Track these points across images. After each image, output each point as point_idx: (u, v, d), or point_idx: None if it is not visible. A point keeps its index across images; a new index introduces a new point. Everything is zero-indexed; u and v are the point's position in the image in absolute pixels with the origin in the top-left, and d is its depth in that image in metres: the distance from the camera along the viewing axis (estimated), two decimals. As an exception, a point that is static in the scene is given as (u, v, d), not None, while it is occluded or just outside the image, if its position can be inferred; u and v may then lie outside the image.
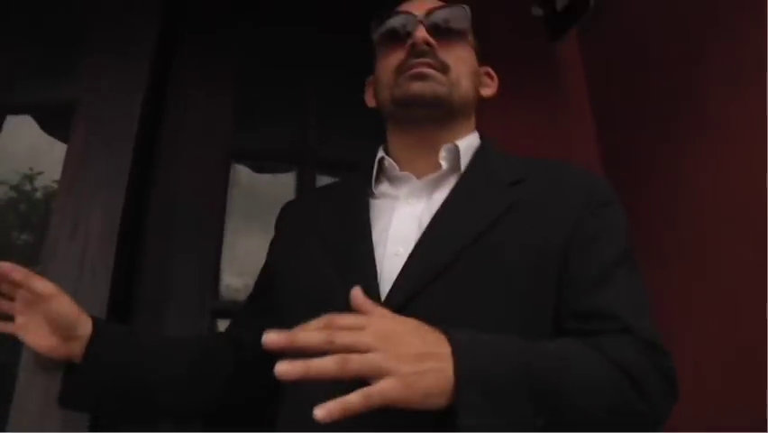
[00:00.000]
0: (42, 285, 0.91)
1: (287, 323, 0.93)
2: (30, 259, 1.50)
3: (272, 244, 1.13)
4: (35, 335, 0.93)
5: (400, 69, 0.99)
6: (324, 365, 0.62)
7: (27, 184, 1.82)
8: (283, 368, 0.61)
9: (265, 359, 0.97)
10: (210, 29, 1.68)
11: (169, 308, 1.39)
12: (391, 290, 0.83)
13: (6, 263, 0.89)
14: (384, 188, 1.01)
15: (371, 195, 1.01)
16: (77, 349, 0.93)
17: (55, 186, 1.69)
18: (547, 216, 0.89)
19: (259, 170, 1.72)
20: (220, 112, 1.60)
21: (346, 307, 0.78)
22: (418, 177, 0.98)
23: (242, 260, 1.57)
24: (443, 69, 0.98)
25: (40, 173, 1.80)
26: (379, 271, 0.87)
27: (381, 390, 0.62)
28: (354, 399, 0.61)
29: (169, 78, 1.59)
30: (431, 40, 0.98)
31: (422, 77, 0.96)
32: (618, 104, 1.67)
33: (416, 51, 0.98)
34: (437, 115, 0.99)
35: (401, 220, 0.93)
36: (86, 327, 0.94)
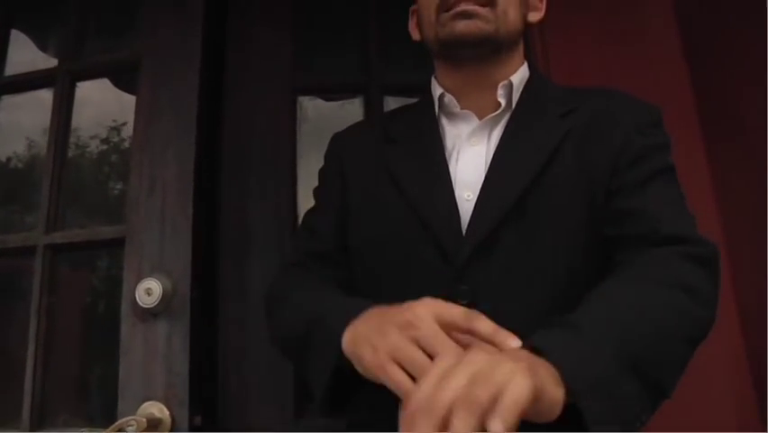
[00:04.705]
0: None
1: (369, 270, 0.94)
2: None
3: (332, 180, 1.06)
4: None
5: (443, 6, 0.93)
6: None
7: (115, 136, 1.88)
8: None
9: None
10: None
11: (251, 251, 1.43)
12: (465, 237, 0.85)
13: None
14: (444, 125, 0.99)
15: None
16: None
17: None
18: (598, 140, 0.89)
19: (325, 100, 1.69)
20: (280, 48, 1.57)
21: (430, 260, 0.85)
22: (478, 115, 0.95)
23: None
24: (489, 2, 0.92)
25: (124, 124, 1.85)
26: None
27: None
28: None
29: (228, 20, 1.56)
30: None
31: (466, 15, 0.91)
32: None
33: None
34: (485, 54, 0.95)
35: (467, 163, 0.92)
36: None
